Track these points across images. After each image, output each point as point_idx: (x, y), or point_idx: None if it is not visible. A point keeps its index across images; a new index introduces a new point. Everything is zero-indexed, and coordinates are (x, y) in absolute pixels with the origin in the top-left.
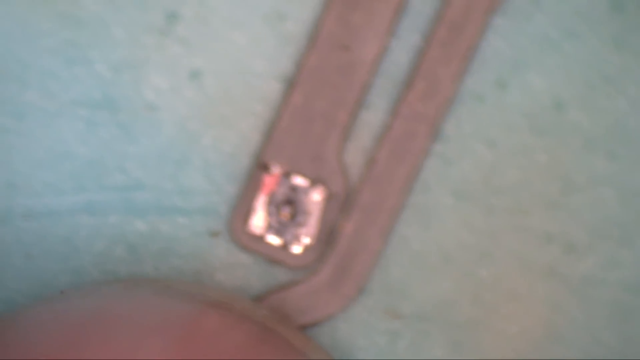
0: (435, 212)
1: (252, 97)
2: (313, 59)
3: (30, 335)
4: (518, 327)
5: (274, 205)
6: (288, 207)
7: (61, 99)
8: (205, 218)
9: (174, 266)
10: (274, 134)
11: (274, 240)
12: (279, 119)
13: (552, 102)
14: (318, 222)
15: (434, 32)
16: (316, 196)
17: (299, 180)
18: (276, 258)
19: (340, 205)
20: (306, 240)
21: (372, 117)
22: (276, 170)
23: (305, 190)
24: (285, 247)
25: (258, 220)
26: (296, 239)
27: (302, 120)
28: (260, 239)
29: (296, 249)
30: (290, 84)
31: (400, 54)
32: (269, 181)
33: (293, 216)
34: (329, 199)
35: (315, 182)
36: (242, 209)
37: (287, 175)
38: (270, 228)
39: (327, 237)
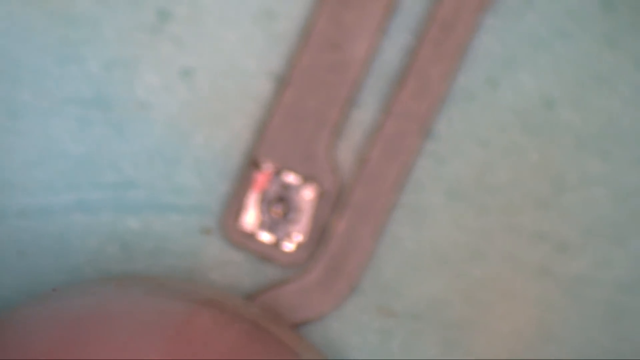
0: (428, 211)
1: (243, 95)
2: (304, 57)
3: (23, 334)
4: (511, 327)
5: (265, 203)
6: (280, 204)
7: (54, 97)
8: (198, 216)
9: (167, 264)
10: (265, 132)
11: (265, 237)
12: (271, 117)
13: (544, 101)
14: (310, 220)
15: (425, 31)
16: (308, 194)
17: (290, 178)
18: (268, 256)
19: (332, 203)
20: (298, 237)
21: (364, 116)
22: (268, 168)
23: (297, 188)
24: (277, 244)
25: (250, 218)
26: (288, 236)
27: (294, 118)
28: (252, 236)
29: (288, 247)
30: (282, 82)
31: (392, 52)
32: (261, 179)
33: (285, 214)
34: (320, 197)
35: (307, 179)
36: (234, 206)
37: (278, 173)
38: (262, 226)
39: (319, 235)
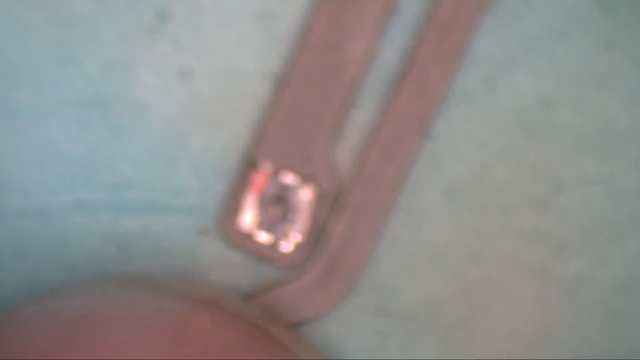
0: (426, 211)
1: (242, 96)
2: (303, 58)
3: (22, 334)
4: (509, 327)
5: (264, 204)
6: (278, 205)
7: (52, 98)
8: (196, 216)
9: (165, 264)
10: (264, 133)
11: (263, 238)
12: (269, 118)
13: (542, 101)
14: (308, 221)
15: (424, 32)
16: (306, 194)
17: (289, 179)
18: (266, 256)
19: (330, 203)
20: (296, 238)
21: (362, 117)
22: (266, 168)
23: (295, 189)
24: (275, 245)
25: (248, 218)
26: (286, 237)
27: (292, 119)
28: (250, 237)
29: (286, 247)
30: (280, 83)
31: (391, 53)
32: (259, 179)
33: (283, 214)
34: (319, 197)
35: (305, 180)
36: (232, 207)
37: (277, 173)
38: (260, 226)
39: (317, 236)
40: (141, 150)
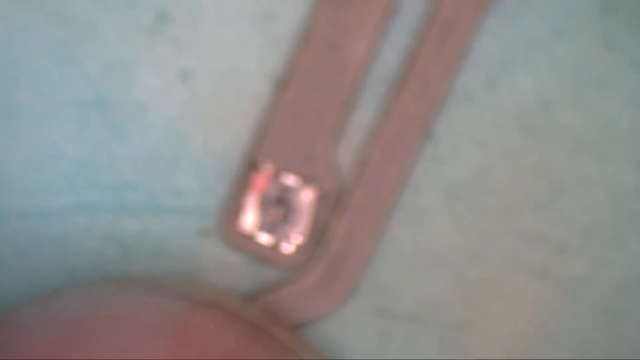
0: (426, 212)
1: (242, 96)
2: (304, 58)
3: (23, 335)
4: (509, 328)
5: (265, 205)
6: (279, 206)
7: (52, 98)
8: (197, 218)
9: (166, 266)
10: (265, 134)
11: (265, 239)
12: (270, 119)
13: (542, 102)
14: (309, 222)
15: (425, 32)
16: (307, 195)
17: (290, 180)
18: (267, 257)
19: (331, 205)
20: (297, 239)
21: (363, 117)
22: (267, 169)
23: (296, 190)
24: (276, 246)
25: (249, 220)
26: (287, 238)
27: (293, 119)
28: (251, 238)
29: (287, 249)
30: (281, 84)
31: (391, 53)
32: (260, 180)
33: (284, 215)
34: (320, 199)
35: (306, 181)
36: (233, 208)
37: (278, 174)
38: (261, 227)
39: (318, 237)
40: (141, 151)
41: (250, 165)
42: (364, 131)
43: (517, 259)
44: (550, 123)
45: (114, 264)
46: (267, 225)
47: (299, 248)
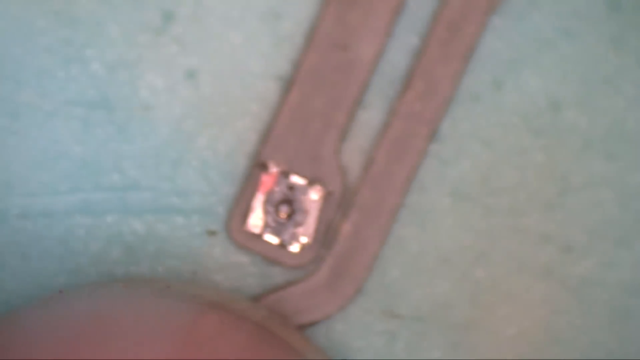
0: (433, 212)
1: (248, 96)
2: (310, 58)
3: (29, 336)
4: (516, 328)
5: (271, 205)
6: (286, 206)
7: (57, 98)
8: (202, 218)
9: (171, 266)
10: (271, 134)
11: (271, 239)
12: (277, 119)
13: (549, 102)
14: (316, 222)
15: (431, 32)
16: (314, 195)
17: (296, 180)
18: (274, 257)
19: (338, 204)
20: (304, 239)
21: (370, 117)
22: (274, 169)
23: (303, 190)
24: (282, 246)
25: (256, 220)
26: (294, 238)
27: (300, 119)
28: (257, 238)
29: (294, 248)
30: (288, 84)
31: (398, 53)
32: (267, 180)
33: (291, 215)
34: (326, 198)
35: (313, 181)
36: (240, 208)
37: (284, 174)
38: (267, 227)
39: (324, 237)
40: (147, 151)
41: (257, 165)
42: (370, 131)
43: (523, 259)
44: (557, 123)
45: (118, 264)
46: (274, 226)
47: (305, 248)
